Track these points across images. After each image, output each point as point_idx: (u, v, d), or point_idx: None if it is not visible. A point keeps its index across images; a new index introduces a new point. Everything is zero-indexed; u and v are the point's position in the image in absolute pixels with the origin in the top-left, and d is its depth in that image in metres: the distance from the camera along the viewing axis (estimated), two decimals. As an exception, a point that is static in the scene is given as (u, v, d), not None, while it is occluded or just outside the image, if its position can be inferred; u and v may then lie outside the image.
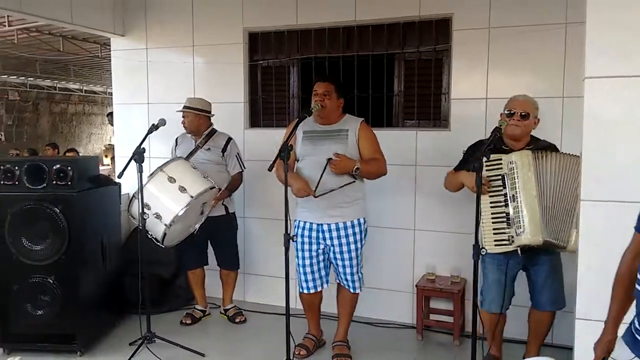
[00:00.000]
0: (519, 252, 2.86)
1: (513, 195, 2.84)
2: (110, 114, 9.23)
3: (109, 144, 9.48)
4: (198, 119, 3.99)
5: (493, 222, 2.90)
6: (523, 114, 2.94)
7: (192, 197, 3.46)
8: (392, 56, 4.15)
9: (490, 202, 2.91)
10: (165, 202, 3.49)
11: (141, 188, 3.42)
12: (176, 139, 4.16)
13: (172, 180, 3.49)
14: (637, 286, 1.67)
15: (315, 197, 3.18)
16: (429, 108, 4.09)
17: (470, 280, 3.48)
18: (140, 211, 3.43)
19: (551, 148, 3.01)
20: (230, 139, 4.06)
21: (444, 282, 3.84)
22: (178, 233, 3.67)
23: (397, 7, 3.96)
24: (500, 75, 3.74)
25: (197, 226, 3.80)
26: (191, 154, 3.96)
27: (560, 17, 3.53)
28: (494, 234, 2.90)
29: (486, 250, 2.81)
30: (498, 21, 3.69)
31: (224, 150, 4.00)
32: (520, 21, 3.62)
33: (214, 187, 3.65)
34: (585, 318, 2.37)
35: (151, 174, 3.56)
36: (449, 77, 3.93)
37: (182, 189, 3.47)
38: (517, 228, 2.83)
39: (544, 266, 3.01)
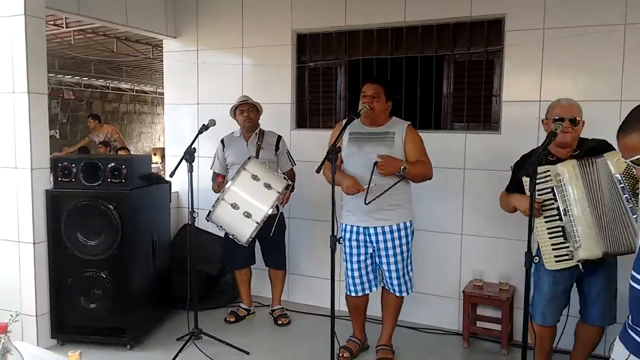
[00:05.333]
0: (581, 266, 2.73)
1: (565, 209, 2.70)
2: (92, 115, 9.14)
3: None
4: (258, 115, 4.04)
5: (550, 238, 2.75)
6: (573, 119, 2.77)
7: (278, 192, 3.50)
8: (441, 57, 4.09)
9: (544, 217, 2.77)
10: (253, 201, 3.49)
11: (191, 188, 3.49)
12: (222, 141, 4.09)
13: (255, 178, 3.51)
14: (630, 281, 1.62)
15: (365, 204, 3.15)
16: (479, 110, 4.02)
17: (520, 288, 3.41)
18: (190, 209, 3.50)
19: (601, 146, 2.78)
20: (280, 137, 4.07)
21: (492, 289, 3.76)
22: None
23: (448, 7, 3.90)
24: (554, 77, 3.63)
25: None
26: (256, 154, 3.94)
27: (619, 18, 3.40)
28: (553, 249, 2.75)
29: (539, 259, 2.71)
30: (553, 22, 3.58)
31: (276, 148, 4.01)
32: (577, 22, 3.51)
33: (289, 185, 3.67)
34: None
35: (233, 177, 3.56)
36: (501, 78, 3.85)
37: (268, 186, 3.50)
38: (574, 243, 2.68)
39: (598, 278, 2.84)
